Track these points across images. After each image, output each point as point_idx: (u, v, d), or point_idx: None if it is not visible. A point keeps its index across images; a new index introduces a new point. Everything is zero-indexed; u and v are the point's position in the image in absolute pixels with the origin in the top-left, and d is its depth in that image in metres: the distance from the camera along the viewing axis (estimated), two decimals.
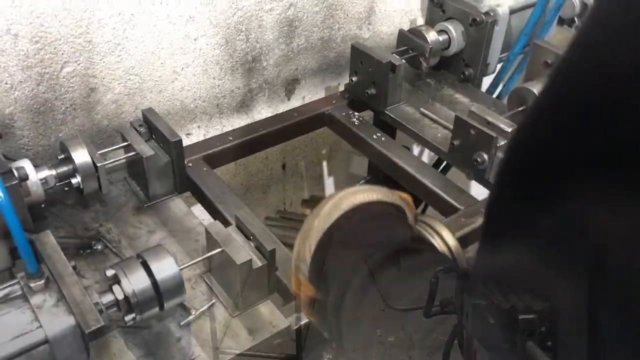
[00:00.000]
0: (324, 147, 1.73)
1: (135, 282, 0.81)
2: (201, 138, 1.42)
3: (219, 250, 0.91)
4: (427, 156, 1.89)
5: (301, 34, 1.45)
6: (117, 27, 1.17)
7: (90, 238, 1.06)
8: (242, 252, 0.90)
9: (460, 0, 1.47)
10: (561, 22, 1.57)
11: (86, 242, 1.04)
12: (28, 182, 0.96)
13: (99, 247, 1.04)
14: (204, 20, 1.28)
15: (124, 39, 1.19)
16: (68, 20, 1.11)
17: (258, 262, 0.91)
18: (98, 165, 1.02)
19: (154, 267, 0.83)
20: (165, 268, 0.84)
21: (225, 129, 1.46)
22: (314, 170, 1.75)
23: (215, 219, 1.19)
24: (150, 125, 1.13)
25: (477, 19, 1.41)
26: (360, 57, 1.38)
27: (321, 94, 1.60)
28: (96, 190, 1.06)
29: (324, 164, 1.77)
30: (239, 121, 1.48)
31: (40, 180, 1.00)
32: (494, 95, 1.56)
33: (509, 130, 1.16)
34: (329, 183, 1.82)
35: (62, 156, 1.05)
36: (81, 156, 1.02)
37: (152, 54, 1.25)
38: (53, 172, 1.02)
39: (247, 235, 0.95)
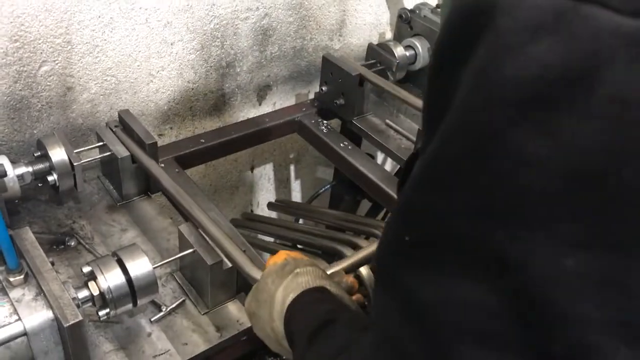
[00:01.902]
0: (292, 151, 1.78)
1: (111, 278, 0.85)
2: (173, 139, 1.45)
3: (190, 250, 0.96)
4: (389, 165, 1.97)
5: (275, 43, 1.50)
6: (96, 29, 1.20)
7: (63, 234, 1.09)
8: (213, 253, 0.95)
9: (427, 18, 1.54)
10: None
11: (60, 238, 1.07)
12: (5, 178, 0.99)
13: (72, 243, 1.07)
14: (181, 26, 1.32)
15: (103, 40, 1.22)
16: (48, 21, 1.14)
17: (228, 263, 0.96)
18: (75, 164, 1.05)
19: (129, 265, 0.87)
20: (139, 266, 0.88)
21: (197, 131, 1.50)
22: (281, 173, 1.81)
23: (185, 219, 1.23)
24: (125, 126, 1.17)
25: None
26: (330, 68, 1.44)
27: (291, 101, 1.65)
28: (71, 188, 1.09)
29: (291, 167, 1.82)
30: (210, 124, 1.52)
31: (17, 176, 1.02)
32: None
33: None
34: (296, 186, 1.88)
35: (39, 153, 1.08)
36: (58, 154, 1.05)
37: (129, 57, 1.28)
38: (30, 169, 1.05)
39: None
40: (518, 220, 0.38)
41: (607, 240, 0.36)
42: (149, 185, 1.19)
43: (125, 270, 0.87)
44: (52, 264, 0.83)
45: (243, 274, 0.92)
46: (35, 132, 1.24)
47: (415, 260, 0.45)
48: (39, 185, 1.10)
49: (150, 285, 0.89)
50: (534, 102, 0.36)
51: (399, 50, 1.50)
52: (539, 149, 0.36)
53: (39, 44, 1.15)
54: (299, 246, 1.40)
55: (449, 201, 0.42)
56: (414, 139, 1.39)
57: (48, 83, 1.20)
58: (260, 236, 1.56)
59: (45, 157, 1.06)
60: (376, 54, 1.51)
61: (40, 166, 1.06)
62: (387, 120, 1.47)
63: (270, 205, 1.65)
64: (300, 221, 1.68)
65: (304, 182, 1.89)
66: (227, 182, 1.68)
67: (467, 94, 0.40)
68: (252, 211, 1.80)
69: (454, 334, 0.42)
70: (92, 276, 0.86)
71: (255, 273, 0.88)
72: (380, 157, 1.92)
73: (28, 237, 0.84)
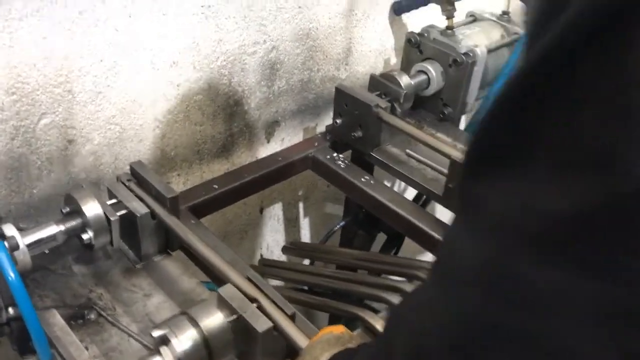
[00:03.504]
0: (301, 188, 1.69)
1: (186, 341, 0.74)
2: (180, 186, 1.35)
3: (234, 317, 0.85)
4: (397, 187, 1.88)
5: (282, 77, 1.42)
6: (98, 75, 1.10)
7: (81, 307, 0.96)
8: (262, 318, 0.84)
9: (437, 40, 1.48)
10: None
11: (78, 311, 0.95)
12: (16, 252, 0.87)
13: (93, 316, 0.95)
14: (188, 66, 1.22)
15: (106, 87, 1.12)
16: (48, 70, 1.03)
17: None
18: (112, 219, 0.95)
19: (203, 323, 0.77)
20: (215, 324, 0.78)
21: (205, 176, 1.40)
22: (290, 212, 1.71)
23: (210, 277, 1.13)
24: (140, 180, 1.06)
25: (458, 60, 1.43)
26: (345, 100, 1.36)
27: (299, 135, 1.56)
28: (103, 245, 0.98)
29: (300, 205, 1.73)
30: (218, 167, 1.42)
31: (27, 246, 0.91)
32: None
33: None
34: (305, 224, 1.78)
35: (68, 209, 0.98)
36: (92, 209, 0.95)
37: (134, 102, 1.18)
38: (61, 227, 0.95)
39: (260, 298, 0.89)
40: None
41: None
42: (168, 242, 1.08)
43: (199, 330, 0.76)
44: (87, 349, 0.72)
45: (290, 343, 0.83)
46: (35, 191, 1.12)
47: (497, 166, 0.42)
48: (45, 252, 0.99)
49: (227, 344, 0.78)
50: None
51: (405, 80, 1.41)
52: None
53: (38, 95, 1.04)
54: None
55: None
56: (439, 168, 1.31)
57: (48, 137, 1.09)
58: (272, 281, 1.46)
59: (77, 212, 0.96)
60: (381, 85, 1.41)
61: (72, 223, 0.96)
62: (408, 150, 1.39)
63: (285, 249, 1.55)
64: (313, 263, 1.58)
65: (313, 219, 1.79)
66: (236, 226, 1.57)
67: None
68: (261, 255, 1.69)
69: (518, 244, 0.39)
70: (164, 341, 0.74)
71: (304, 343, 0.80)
72: (387, 183, 1.83)
73: (57, 321, 0.73)
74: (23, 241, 0.90)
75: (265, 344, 0.84)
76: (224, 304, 0.87)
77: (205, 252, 0.95)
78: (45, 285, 1.00)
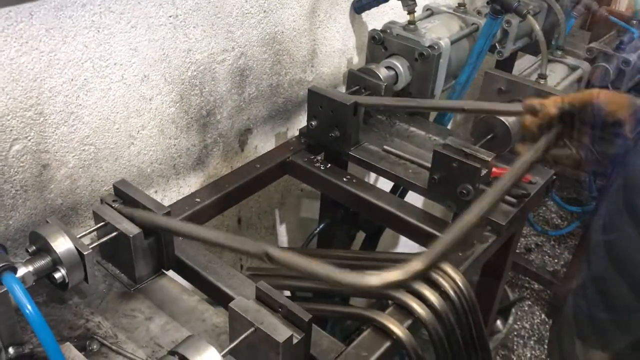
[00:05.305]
0: (276, 194, 1.67)
1: None
2: None
3: (251, 330, 0.83)
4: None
5: (252, 83, 1.39)
6: (69, 94, 1.05)
7: (79, 338, 0.91)
8: (280, 328, 0.82)
9: (401, 36, 1.49)
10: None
11: (77, 343, 0.90)
12: None
13: (95, 346, 0.90)
14: (159, 78, 1.18)
15: (78, 106, 1.07)
16: (17, 92, 0.97)
17: (297, 336, 0.83)
18: (85, 253, 0.89)
19: None
20: None
21: (182, 190, 1.35)
22: (267, 219, 1.68)
23: (208, 293, 1.09)
24: (127, 199, 1.01)
25: (424, 53, 1.44)
26: (319, 101, 1.35)
27: (272, 141, 1.54)
28: (79, 281, 0.92)
29: (277, 212, 1.70)
30: (195, 180, 1.38)
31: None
32: (449, 126, 1.60)
33: (489, 159, 1.18)
34: (282, 231, 1.76)
35: (34, 248, 0.90)
36: (63, 245, 0.88)
37: (107, 120, 1.13)
38: (30, 268, 0.87)
39: (273, 307, 0.86)
40: None
41: None
42: (162, 261, 1.04)
43: None
44: None
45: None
46: (10, 222, 1.05)
47: None
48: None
49: None
50: None
51: (383, 72, 1.43)
52: None
53: (8, 120, 0.98)
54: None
55: None
56: (419, 161, 1.32)
57: (21, 164, 1.03)
58: None
59: (45, 250, 0.89)
60: (359, 79, 1.43)
61: (41, 263, 0.88)
62: (385, 146, 1.39)
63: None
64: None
65: (290, 225, 1.77)
66: None
67: None
68: (241, 267, 1.66)
69: None
70: None
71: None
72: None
73: (74, 355, 0.68)
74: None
75: (286, 353, 0.82)
76: (237, 317, 0.85)
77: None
78: None
